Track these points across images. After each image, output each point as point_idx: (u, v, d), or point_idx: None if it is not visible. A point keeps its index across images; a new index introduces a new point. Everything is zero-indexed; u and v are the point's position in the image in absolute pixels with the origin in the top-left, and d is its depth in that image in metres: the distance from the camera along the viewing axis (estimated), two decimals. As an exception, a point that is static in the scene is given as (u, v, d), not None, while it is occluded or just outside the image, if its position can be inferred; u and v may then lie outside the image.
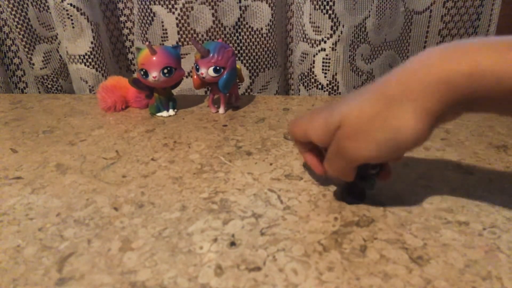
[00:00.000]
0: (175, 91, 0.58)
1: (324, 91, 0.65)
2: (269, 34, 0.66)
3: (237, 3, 0.64)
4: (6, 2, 0.66)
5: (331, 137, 0.30)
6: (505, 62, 0.23)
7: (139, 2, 0.65)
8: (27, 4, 0.67)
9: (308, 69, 0.65)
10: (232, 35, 0.67)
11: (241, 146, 0.46)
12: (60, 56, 0.73)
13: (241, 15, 0.65)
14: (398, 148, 0.27)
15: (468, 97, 0.24)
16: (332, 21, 0.60)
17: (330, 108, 0.30)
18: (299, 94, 0.69)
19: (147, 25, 0.66)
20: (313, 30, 0.62)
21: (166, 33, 0.66)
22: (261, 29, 0.66)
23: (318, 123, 0.31)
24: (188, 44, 0.67)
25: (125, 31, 0.73)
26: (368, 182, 0.33)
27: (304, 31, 0.63)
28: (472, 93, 0.24)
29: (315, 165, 0.35)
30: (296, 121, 0.34)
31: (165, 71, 0.51)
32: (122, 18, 0.72)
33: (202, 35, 0.67)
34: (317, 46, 0.62)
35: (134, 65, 0.76)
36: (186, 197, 0.36)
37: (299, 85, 0.68)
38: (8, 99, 0.66)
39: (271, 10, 0.65)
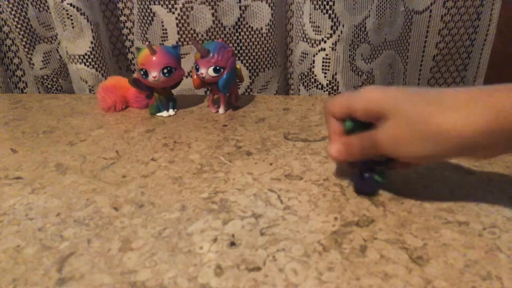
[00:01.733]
0: (175, 91, 0.58)
1: (324, 91, 0.65)
2: (269, 34, 0.66)
3: (237, 3, 0.64)
4: (6, 2, 0.66)
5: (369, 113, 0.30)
6: None
7: (139, 2, 0.65)
8: (27, 4, 0.67)
9: (308, 69, 0.65)
10: (232, 35, 0.67)
11: (241, 146, 0.45)
12: (60, 56, 0.73)
13: (241, 15, 0.65)
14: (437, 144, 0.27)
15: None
16: (332, 21, 0.60)
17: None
18: (299, 94, 0.69)
19: (147, 25, 0.66)
20: (313, 30, 0.62)
21: (166, 33, 0.66)
22: (261, 29, 0.66)
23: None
24: (188, 44, 0.67)
25: (125, 31, 0.73)
26: (379, 173, 0.34)
27: (304, 31, 0.63)
28: None
29: (333, 139, 0.34)
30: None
31: (165, 71, 0.51)
32: (122, 18, 0.72)
33: (202, 35, 0.67)
34: (317, 46, 0.62)
35: (134, 65, 0.76)
36: (186, 197, 0.36)
37: (299, 85, 0.68)
38: (8, 99, 0.66)
39: (271, 10, 0.64)
